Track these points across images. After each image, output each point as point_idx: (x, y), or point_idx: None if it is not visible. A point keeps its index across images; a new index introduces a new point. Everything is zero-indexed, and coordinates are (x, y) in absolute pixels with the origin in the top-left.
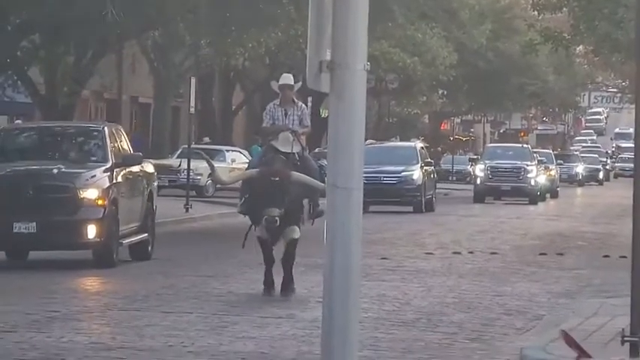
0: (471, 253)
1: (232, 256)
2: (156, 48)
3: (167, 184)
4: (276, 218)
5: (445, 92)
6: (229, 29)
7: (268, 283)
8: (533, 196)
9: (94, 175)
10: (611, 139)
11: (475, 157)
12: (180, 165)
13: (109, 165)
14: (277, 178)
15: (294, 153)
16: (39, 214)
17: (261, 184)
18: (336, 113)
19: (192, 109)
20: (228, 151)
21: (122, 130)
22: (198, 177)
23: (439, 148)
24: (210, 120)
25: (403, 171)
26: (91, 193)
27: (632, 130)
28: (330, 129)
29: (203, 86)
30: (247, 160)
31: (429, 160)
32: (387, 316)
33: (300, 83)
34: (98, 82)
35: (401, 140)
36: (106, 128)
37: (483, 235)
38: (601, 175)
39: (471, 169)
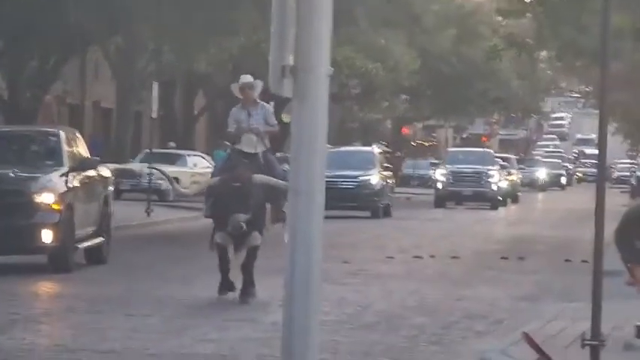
0: (432, 257)
1: (193, 259)
2: (118, 53)
3: (129, 188)
4: (242, 224)
5: (408, 97)
6: (192, 35)
7: (225, 286)
8: (495, 201)
9: (50, 180)
10: (573, 144)
11: (437, 161)
12: (141, 170)
13: (65, 169)
14: (238, 184)
15: (257, 153)
16: None
17: (223, 191)
18: (299, 118)
19: (154, 114)
20: (189, 155)
21: (79, 134)
22: (160, 181)
23: (398, 153)
24: (173, 125)
25: (361, 175)
26: (46, 198)
27: (594, 136)
28: (293, 133)
29: (165, 91)
30: (209, 165)
31: (387, 165)
32: (347, 319)
33: (260, 82)
34: (61, 88)
35: (363, 145)
36: (62, 132)
37: (445, 239)
38: (563, 180)
39: (432, 174)
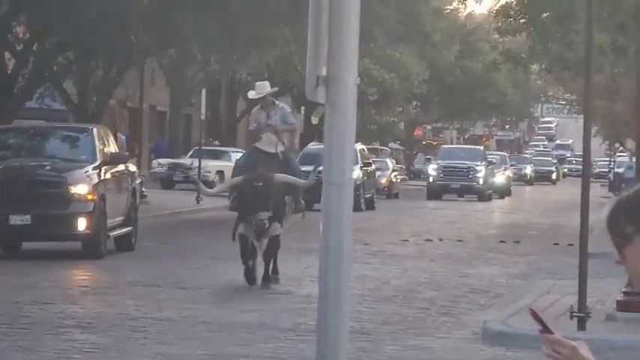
0: (440, 240)
1: (236, 241)
2: (171, 64)
3: (181, 180)
4: (265, 221)
5: (418, 103)
6: (234, 49)
7: (250, 274)
8: (482, 194)
9: (84, 172)
10: (552, 149)
11: (429, 157)
12: (192, 163)
13: (97, 163)
14: (260, 184)
15: (278, 153)
16: (33, 208)
17: (246, 190)
18: (331, 121)
19: (202, 116)
20: (233, 152)
21: (109, 131)
22: (208, 174)
23: (407, 152)
24: (218, 125)
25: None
26: (81, 189)
27: (570, 142)
28: (325, 134)
29: (211, 97)
30: None
31: (369, 161)
32: (369, 293)
33: (276, 88)
34: (122, 93)
35: (380, 144)
36: (94, 130)
37: (451, 225)
38: (554, 175)
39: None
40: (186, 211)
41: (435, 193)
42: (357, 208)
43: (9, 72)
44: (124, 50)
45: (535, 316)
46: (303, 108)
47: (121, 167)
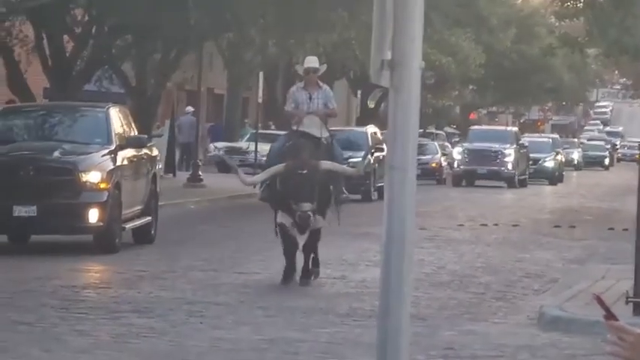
0: (495, 225)
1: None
2: (230, 47)
3: (238, 163)
4: (309, 213)
5: (474, 87)
6: (292, 32)
7: (289, 273)
8: (511, 180)
9: (97, 158)
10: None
11: (457, 139)
12: (248, 147)
13: (112, 147)
14: (305, 171)
15: (323, 138)
16: (39, 198)
17: (288, 178)
18: (395, 105)
19: (259, 100)
20: None
21: (127, 111)
22: (264, 157)
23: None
24: (275, 109)
25: (349, 158)
26: (93, 177)
27: (620, 129)
28: (390, 119)
29: (269, 80)
30: None
31: (381, 146)
32: (425, 278)
33: (325, 65)
34: (181, 76)
35: (436, 128)
36: (110, 110)
37: (506, 210)
38: (607, 161)
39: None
40: (243, 195)
41: (460, 179)
42: (366, 198)
43: (67, 55)
44: (183, 34)
45: (600, 301)
46: (359, 92)
47: (140, 151)
